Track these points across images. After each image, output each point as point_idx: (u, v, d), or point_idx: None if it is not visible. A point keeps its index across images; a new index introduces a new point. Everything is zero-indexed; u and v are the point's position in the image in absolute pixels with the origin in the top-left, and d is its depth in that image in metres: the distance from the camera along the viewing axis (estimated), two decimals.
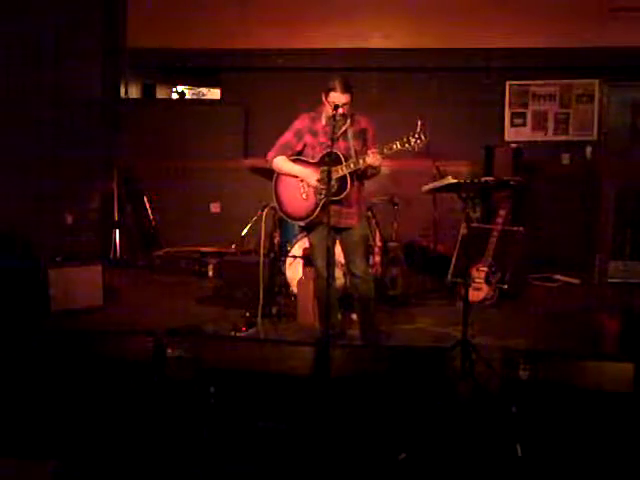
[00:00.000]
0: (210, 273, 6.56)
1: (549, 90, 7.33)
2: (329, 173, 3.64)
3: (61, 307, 5.08)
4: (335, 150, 3.89)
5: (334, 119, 3.81)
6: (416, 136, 3.76)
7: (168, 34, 7.40)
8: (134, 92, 8.22)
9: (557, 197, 7.06)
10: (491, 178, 5.04)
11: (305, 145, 4.13)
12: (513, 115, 7.39)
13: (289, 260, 5.35)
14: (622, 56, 6.83)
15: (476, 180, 4.08)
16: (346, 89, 3.92)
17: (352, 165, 3.89)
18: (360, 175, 4.06)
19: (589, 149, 7.26)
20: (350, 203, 4.08)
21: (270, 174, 5.55)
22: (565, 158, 7.29)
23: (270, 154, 4.18)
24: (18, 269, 5.08)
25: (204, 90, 8.89)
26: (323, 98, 4.00)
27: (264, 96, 7.51)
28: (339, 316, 4.64)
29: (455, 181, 3.94)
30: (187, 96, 8.78)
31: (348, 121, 4.01)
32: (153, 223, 7.49)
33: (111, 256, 7.31)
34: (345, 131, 4.01)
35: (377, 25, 7.21)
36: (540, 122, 7.36)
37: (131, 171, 7.56)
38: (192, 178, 7.45)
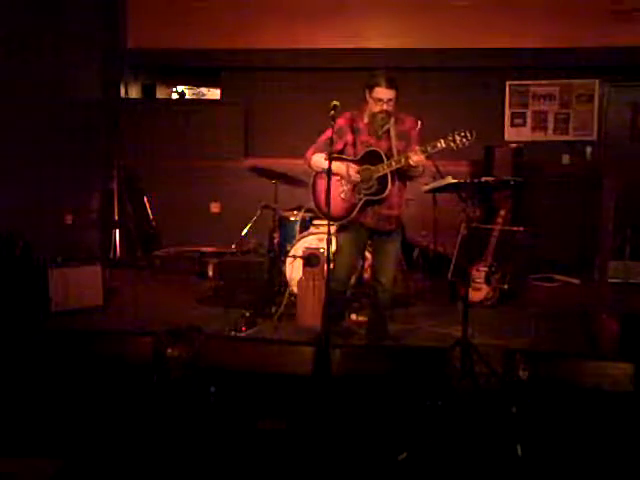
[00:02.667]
0: (210, 273, 6.55)
1: (549, 90, 7.33)
2: (373, 173, 3.52)
3: (61, 307, 5.08)
4: (377, 149, 3.83)
5: (379, 116, 3.73)
6: (462, 134, 3.68)
7: (168, 34, 7.40)
8: (134, 92, 8.22)
9: (557, 197, 7.06)
10: (491, 178, 5.04)
11: (346, 143, 4.00)
12: (513, 115, 7.39)
13: (289, 260, 5.35)
14: (622, 56, 6.83)
15: (476, 180, 4.08)
16: (391, 84, 3.80)
17: (394, 164, 3.77)
18: (402, 175, 3.93)
19: (589, 149, 7.26)
20: (391, 205, 3.96)
21: (270, 174, 5.59)
22: (565, 158, 7.29)
23: (309, 151, 4.04)
24: (18, 269, 5.08)
25: (204, 90, 8.88)
26: (367, 95, 3.88)
27: (264, 96, 7.51)
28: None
29: (455, 181, 3.94)
30: (187, 96, 8.78)
31: (392, 120, 3.88)
32: (153, 223, 7.49)
33: (111, 256, 7.31)
34: (388, 130, 3.88)
35: (377, 25, 7.21)
36: (540, 122, 7.36)
37: (131, 171, 7.56)
38: (192, 178, 7.45)
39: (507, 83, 7.35)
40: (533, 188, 6.66)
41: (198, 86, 8.83)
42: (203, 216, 7.52)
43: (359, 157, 3.92)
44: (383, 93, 3.80)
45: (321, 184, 4.02)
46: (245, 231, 5.96)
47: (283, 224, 5.63)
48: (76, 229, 6.98)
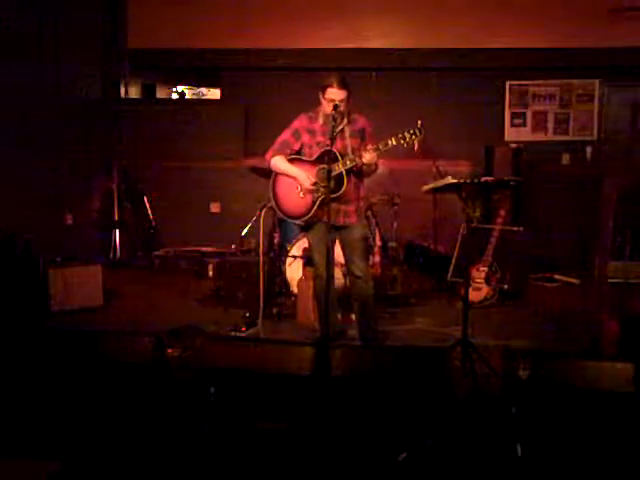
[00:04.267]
0: (210, 273, 6.55)
1: (549, 90, 7.33)
2: (329, 172, 3.65)
3: (61, 307, 5.08)
4: (332, 148, 3.90)
5: (332, 117, 3.82)
6: (411, 131, 3.80)
7: (168, 34, 7.39)
8: (134, 92, 8.22)
9: (557, 197, 7.05)
10: (491, 178, 5.04)
11: (303, 144, 4.14)
12: (513, 115, 7.39)
13: (289, 260, 5.35)
14: (622, 56, 6.83)
15: (476, 180, 4.08)
16: (343, 85, 3.92)
17: (348, 162, 3.91)
18: (357, 173, 4.07)
19: (589, 149, 7.26)
20: (348, 201, 4.09)
21: (269, 174, 5.59)
22: (565, 158, 7.29)
23: (268, 154, 4.19)
24: (18, 269, 5.08)
25: (204, 90, 8.89)
26: (320, 96, 4.01)
27: (264, 96, 7.51)
28: (339, 316, 4.64)
29: (455, 181, 3.94)
30: (187, 96, 8.78)
31: (345, 120, 4.02)
32: (153, 223, 7.48)
33: (111, 256, 7.31)
34: (343, 129, 4.02)
35: (377, 25, 7.21)
36: (540, 122, 7.36)
37: (131, 171, 7.56)
38: (192, 178, 7.45)
39: (507, 83, 7.35)
40: (533, 188, 6.66)
41: (198, 86, 8.84)
42: (203, 216, 7.51)
43: (316, 157, 4.06)
44: (335, 94, 3.91)
45: (279, 184, 4.19)
46: (245, 231, 5.96)
47: (283, 224, 5.63)
48: (76, 229, 6.98)
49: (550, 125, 7.35)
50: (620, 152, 7.10)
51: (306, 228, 4.25)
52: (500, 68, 7.20)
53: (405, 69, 7.28)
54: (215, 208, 7.65)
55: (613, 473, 2.82)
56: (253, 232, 5.97)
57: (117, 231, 7.40)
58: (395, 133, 3.83)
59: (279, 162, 4.13)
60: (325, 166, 3.90)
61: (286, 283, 5.39)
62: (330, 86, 3.91)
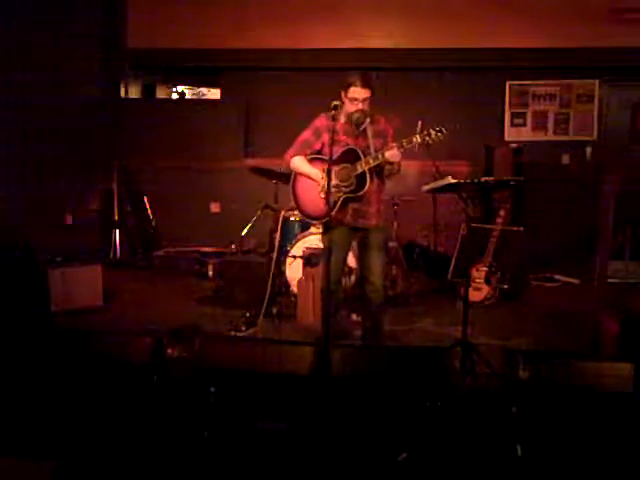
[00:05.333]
0: (210, 273, 6.55)
1: (549, 90, 7.33)
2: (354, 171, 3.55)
3: (61, 307, 5.08)
4: (354, 147, 3.86)
5: (354, 116, 3.78)
6: (437, 129, 3.74)
7: (168, 34, 7.39)
8: (134, 92, 8.22)
9: (557, 197, 7.06)
10: (491, 178, 5.05)
11: (323, 144, 4.04)
12: (513, 115, 7.40)
13: (289, 260, 5.35)
14: (622, 56, 6.84)
15: (476, 180, 4.08)
16: (366, 84, 3.86)
17: (371, 161, 3.82)
18: (379, 173, 3.98)
19: (589, 149, 7.27)
20: (369, 202, 3.99)
21: (270, 174, 5.59)
22: (565, 158, 7.29)
23: (288, 153, 4.08)
24: (18, 269, 5.08)
25: (204, 90, 8.89)
26: (342, 95, 3.93)
27: (264, 96, 7.52)
28: (339, 315, 4.62)
29: (455, 181, 3.94)
30: (187, 96, 8.78)
31: (368, 119, 3.92)
32: (153, 223, 7.49)
33: (111, 256, 7.31)
34: (365, 129, 3.92)
35: (377, 25, 7.21)
36: (540, 122, 7.37)
37: (131, 171, 7.56)
38: (192, 178, 7.45)
39: (507, 83, 7.36)
40: (533, 188, 6.66)
41: (198, 86, 8.83)
42: (203, 216, 7.52)
43: (337, 157, 3.94)
44: (358, 93, 3.87)
45: (300, 185, 4.10)
46: (245, 231, 5.96)
47: (283, 224, 5.63)
48: (76, 229, 6.99)
49: (550, 125, 7.35)
50: (620, 152, 7.10)
51: (325, 230, 4.13)
52: (500, 68, 7.20)
53: (405, 69, 7.29)
54: (215, 208, 7.65)
55: (613, 473, 2.82)
56: (253, 232, 5.99)
57: (117, 231, 7.39)
58: (420, 130, 3.75)
59: (300, 162, 4.03)
60: (348, 165, 3.86)
61: (286, 283, 5.39)
62: (353, 85, 3.85)
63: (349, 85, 3.88)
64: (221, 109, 7.74)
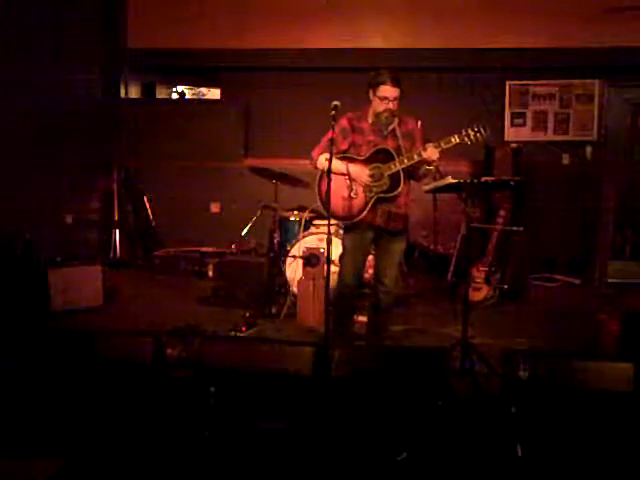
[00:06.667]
0: (210, 273, 6.56)
1: (549, 90, 7.33)
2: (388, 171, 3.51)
3: (61, 307, 5.08)
4: (386, 147, 3.80)
5: (383, 115, 3.74)
6: (475, 129, 3.68)
7: (168, 34, 7.39)
8: (134, 92, 8.22)
9: (557, 197, 7.06)
10: (491, 178, 5.05)
11: (350, 144, 3.96)
12: (513, 115, 7.39)
13: (289, 260, 5.35)
14: (622, 56, 6.83)
15: (476, 180, 4.08)
16: (396, 83, 3.79)
17: (406, 160, 3.74)
18: (411, 173, 3.91)
19: (589, 149, 7.26)
20: (399, 204, 3.93)
21: (270, 174, 5.59)
22: (565, 158, 7.29)
23: (315, 152, 3.99)
24: (18, 269, 5.08)
25: (204, 90, 8.89)
26: (370, 94, 3.86)
27: (264, 96, 7.51)
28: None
29: (455, 181, 3.94)
30: (187, 96, 8.78)
31: (396, 120, 3.84)
32: (153, 223, 7.49)
33: (111, 256, 7.31)
34: (394, 129, 3.84)
35: (377, 25, 7.21)
36: (540, 122, 7.36)
37: (131, 171, 7.56)
38: (192, 178, 7.45)
39: (507, 83, 7.35)
40: (533, 188, 6.66)
41: (198, 86, 8.83)
42: (203, 216, 7.52)
43: (367, 156, 3.88)
44: (389, 91, 3.79)
45: (328, 184, 3.92)
46: (245, 231, 5.96)
47: (283, 224, 5.63)
48: (76, 229, 6.99)
49: (550, 125, 7.35)
50: (620, 152, 7.09)
51: (347, 230, 4.05)
52: (500, 68, 7.20)
53: (405, 69, 7.27)
54: (215, 208, 7.65)
55: (613, 473, 2.82)
56: (253, 232, 5.99)
57: (117, 231, 7.39)
58: (458, 130, 3.70)
59: (328, 160, 3.88)
60: (380, 165, 3.80)
61: (286, 283, 5.39)
62: (384, 83, 3.77)
63: (379, 84, 3.79)
64: (221, 109, 7.74)
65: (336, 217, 3.97)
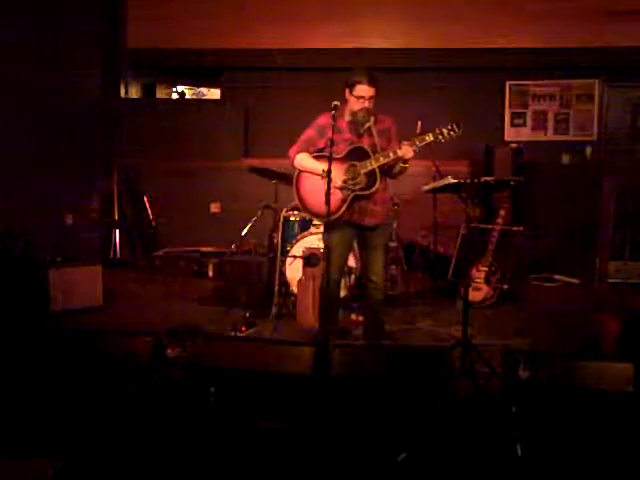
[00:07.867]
0: (210, 273, 6.55)
1: (549, 90, 7.33)
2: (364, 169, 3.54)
3: (61, 307, 5.08)
4: (361, 145, 3.85)
5: (359, 114, 3.78)
6: (449, 127, 3.73)
7: (168, 34, 7.40)
8: (134, 92, 8.23)
9: (557, 197, 7.05)
10: (491, 178, 5.05)
11: (328, 142, 3.93)
12: (513, 115, 7.40)
13: (289, 260, 5.34)
14: (622, 56, 6.84)
15: (476, 180, 4.08)
16: (372, 82, 3.85)
17: (382, 158, 3.80)
18: (387, 171, 3.96)
19: (589, 149, 7.26)
20: (375, 201, 3.98)
21: (270, 174, 5.59)
22: (565, 158, 7.29)
23: (292, 150, 4.05)
24: (18, 269, 5.07)
25: (204, 90, 8.90)
26: (347, 93, 3.92)
27: (264, 96, 7.52)
28: (340, 315, 4.62)
29: (455, 181, 3.94)
30: (187, 96, 8.78)
31: (372, 118, 3.89)
32: (153, 223, 7.49)
33: (111, 256, 7.31)
34: (369, 128, 3.89)
35: (377, 25, 7.21)
36: (540, 122, 7.37)
37: (131, 171, 7.56)
38: (192, 178, 7.45)
39: (507, 83, 7.35)
40: (533, 188, 6.67)
41: (198, 86, 8.84)
42: (203, 216, 7.52)
43: (343, 155, 3.93)
44: (365, 91, 3.85)
45: (305, 182, 4.05)
46: (245, 231, 5.96)
47: (283, 224, 5.63)
48: (76, 229, 6.99)
49: (550, 125, 7.35)
50: (620, 152, 7.10)
51: (327, 228, 4.09)
52: (500, 68, 7.20)
53: (405, 69, 7.28)
54: (215, 208, 7.65)
55: (613, 473, 2.82)
56: (253, 232, 5.99)
57: (117, 231, 7.40)
58: (432, 129, 3.74)
59: (305, 159, 4.00)
60: (356, 163, 3.84)
61: (286, 283, 5.39)
62: (360, 83, 3.84)
63: (355, 83, 3.86)
64: (221, 109, 7.75)
65: (314, 215, 4.09)
